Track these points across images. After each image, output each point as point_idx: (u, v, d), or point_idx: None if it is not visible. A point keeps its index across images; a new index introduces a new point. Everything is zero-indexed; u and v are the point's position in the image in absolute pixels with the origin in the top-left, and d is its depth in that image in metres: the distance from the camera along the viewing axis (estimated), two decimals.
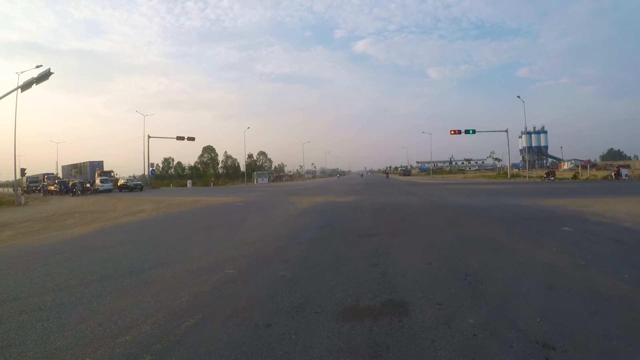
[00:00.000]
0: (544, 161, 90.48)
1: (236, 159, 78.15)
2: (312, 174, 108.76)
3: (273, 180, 65.40)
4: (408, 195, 17.21)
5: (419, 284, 3.58)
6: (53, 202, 21.23)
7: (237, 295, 3.44)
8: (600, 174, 34.25)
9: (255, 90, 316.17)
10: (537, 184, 26.44)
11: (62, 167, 48.52)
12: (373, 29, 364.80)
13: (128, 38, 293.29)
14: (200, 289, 3.63)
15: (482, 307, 2.94)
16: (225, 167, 76.75)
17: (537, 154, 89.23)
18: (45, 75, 17.61)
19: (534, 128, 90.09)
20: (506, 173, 45.16)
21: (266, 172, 69.78)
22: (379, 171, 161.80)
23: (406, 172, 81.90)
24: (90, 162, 40.26)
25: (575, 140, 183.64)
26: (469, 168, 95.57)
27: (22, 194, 23.22)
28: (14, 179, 24.31)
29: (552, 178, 31.50)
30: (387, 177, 69.69)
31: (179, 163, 76.06)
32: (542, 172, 45.55)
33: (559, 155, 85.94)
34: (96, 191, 30.99)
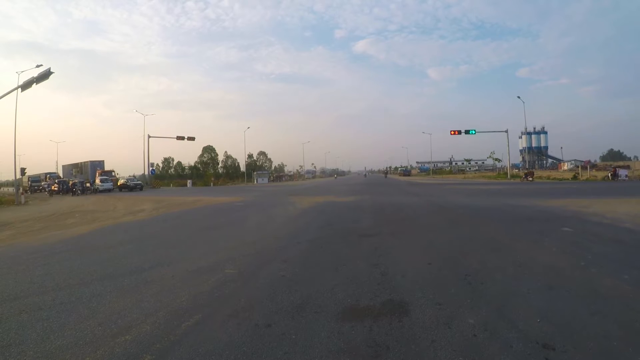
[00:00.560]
0: (544, 162, 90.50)
1: (236, 159, 78.27)
2: (312, 174, 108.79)
3: (273, 180, 65.38)
4: (408, 195, 17.20)
5: (419, 284, 3.58)
6: (53, 202, 21.22)
7: (237, 295, 3.44)
8: (600, 174, 34.24)
9: (256, 90, 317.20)
10: (537, 184, 26.43)
11: (63, 166, 48.54)
12: (373, 29, 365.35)
13: (128, 38, 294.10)
14: (200, 288, 3.63)
15: (482, 307, 2.94)
16: (225, 167, 76.73)
17: (537, 154, 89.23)
18: (45, 75, 17.60)
19: (534, 128, 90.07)
20: (506, 173, 45.12)
21: (266, 172, 69.76)
22: (378, 171, 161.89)
23: (406, 172, 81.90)
24: (91, 161, 40.28)
25: (575, 140, 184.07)
26: (469, 168, 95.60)
27: (22, 194, 23.20)
28: (14, 178, 24.33)
29: (530, 179, 32.24)
30: (386, 176, 73.48)
31: (179, 163, 76.02)
32: (541, 172, 45.49)
33: (559, 156, 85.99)
34: (96, 191, 30.98)
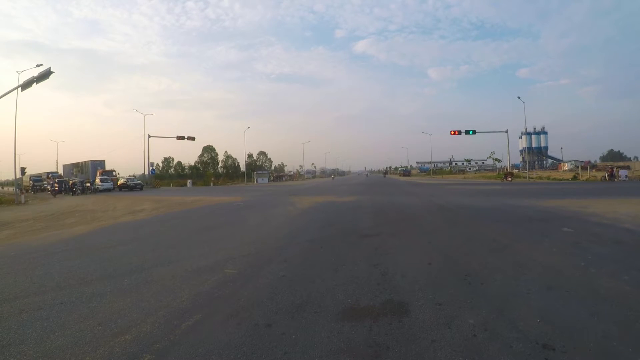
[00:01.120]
0: (544, 162, 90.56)
1: (236, 159, 78.29)
2: (312, 174, 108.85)
3: (273, 180, 65.36)
4: (408, 195, 17.20)
5: (419, 284, 3.58)
6: (53, 202, 21.22)
7: (237, 295, 3.44)
8: (600, 175, 34.27)
9: (256, 90, 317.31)
10: (536, 184, 26.43)
11: (64, 166, 48.53)
12: (373, 29, 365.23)
13: (128, 37, 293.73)
14: (200, 288, 3.63)
15: (482, 307, 2.94)
16: (225, 166, 76.76)
17: (537, 154, 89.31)
18: (45, 75, 17.59)
19: (534, 129, 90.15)
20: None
21: (266, 172, 69.76)
22: (378, 171, 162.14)
23: (406, 172, 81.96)
24: (92, 161, 40.28)
25: (575, 141, 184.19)
26: (469, 168, 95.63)
27: (22, 193, 23.18)
28: (14, 177, 24.33)
29: (509, 179, 34.16)
30: (384, 176, 76.43)
31: (179, 163, 76.05)
32: (541, 173, 45.52)
33: (559, 156, 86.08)
34: (96, 190, 30.96)
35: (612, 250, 4.92)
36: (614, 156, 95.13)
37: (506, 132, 43.84)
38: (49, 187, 32.53)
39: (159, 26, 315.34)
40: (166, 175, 68.54)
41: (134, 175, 46.87)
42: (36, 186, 37.68)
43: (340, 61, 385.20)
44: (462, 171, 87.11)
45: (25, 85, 17.80)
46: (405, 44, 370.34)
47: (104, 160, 40.88)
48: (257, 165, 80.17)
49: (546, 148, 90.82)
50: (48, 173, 43.28)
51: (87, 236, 7.60)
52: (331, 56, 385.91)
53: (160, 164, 73.55)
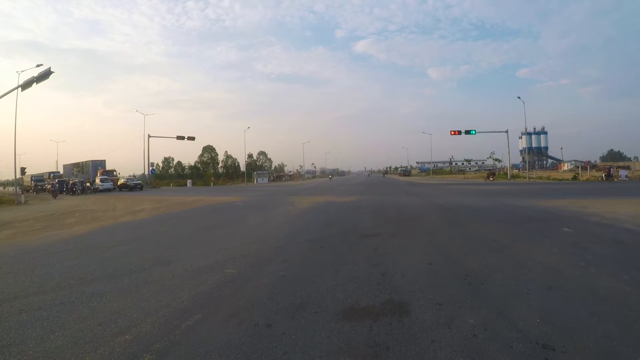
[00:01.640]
0: (544, 162, 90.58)
1: (236, 159, 78.17)
2: (312, 174, 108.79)
3: (273, 180, 65.35)
4: (408, 195, 17.20)
5: (419, 284, 3.58)
6: (53, 202, 21.21)
7: (237, 295, 3.43)
8: (600, 175, 34.32)
9: (256, 90, 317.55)
10: (536, 184, 26.43)
11: (64, 165, 48.51)
12: (374, 29, 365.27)
13: (128, 37, 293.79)
14: (200, 288, 3.63)
15: (482, 307, 2.94)
16: (225, 166, 76.70)
17: (537, 154, 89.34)
18: (45, 74, 17.58)
19: (534, 129, 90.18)
20: (506, 174, 45.17)
21: (266, 172, 69.73)
22: (378, 171, 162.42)
23: (406, 172, 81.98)
24: (92, 161, 40.25)
25: (575, 141, 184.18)
26: (469, 169, 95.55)
27: (22, 193, 23.18)
28: (14, 177, 24.33)
29: (491, 179, 35.25)
30: (384, 176, 77.71)
31: (179, 163, 75.99)
32: (541, 173, 45.49)
33: (559, 156, 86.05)
34: (96, 190, 30.95)
35: (612, 250, 4.93)
36: (614, 156, 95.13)
37: (506, 132, 43.93)
38: (49, 186, 32.35)
39: (159, 26, 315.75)
40: (166, 175, 68.51)
41: (134, 175, 46.84)
42: (38, 186, 37.59)
43: (340, 61, 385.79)
44: (462, 171, 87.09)
45: (25, 85, 17.80)
46: (405, 44, 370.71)
47: (104, 160, 40.86)
48: (257, 165, 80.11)
49: (546, 148, 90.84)
50: (50, 173, 43.26)
51: (87, 236, 7.60)
52: (331, 56, 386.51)
53: (160, 164, 73.54)
